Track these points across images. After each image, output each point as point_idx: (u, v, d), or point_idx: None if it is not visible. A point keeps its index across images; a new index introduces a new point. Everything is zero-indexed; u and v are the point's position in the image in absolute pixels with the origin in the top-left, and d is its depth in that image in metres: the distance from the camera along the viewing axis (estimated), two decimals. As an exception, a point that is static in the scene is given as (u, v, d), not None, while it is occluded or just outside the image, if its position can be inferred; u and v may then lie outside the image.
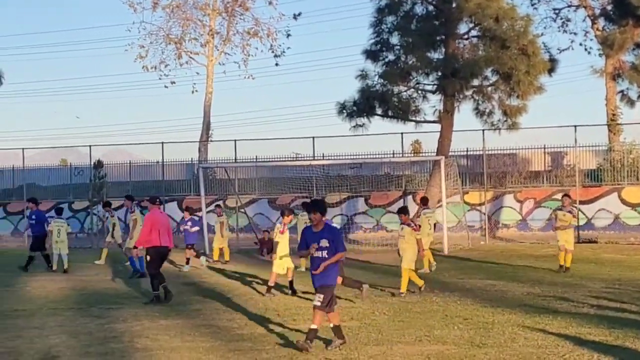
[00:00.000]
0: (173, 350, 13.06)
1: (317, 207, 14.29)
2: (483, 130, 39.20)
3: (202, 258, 28.84)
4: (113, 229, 29.42)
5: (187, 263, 27.89)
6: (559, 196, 36.77)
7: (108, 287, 22.97)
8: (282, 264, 19.02)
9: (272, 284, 19.04)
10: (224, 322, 16.05)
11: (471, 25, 36.02)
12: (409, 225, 19.12)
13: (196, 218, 31.37)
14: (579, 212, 36.92)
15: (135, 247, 21.84)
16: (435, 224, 29.69)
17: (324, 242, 12.44)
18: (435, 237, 32.49)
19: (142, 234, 19.92)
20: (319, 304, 12.78)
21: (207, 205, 37.15)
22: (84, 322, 16.15)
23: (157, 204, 21.14)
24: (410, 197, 41.61)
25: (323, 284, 13.15)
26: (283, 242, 22.07)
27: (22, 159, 47.87)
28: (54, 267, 27.49)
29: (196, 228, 29.13)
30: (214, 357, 12.53)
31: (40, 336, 14.54)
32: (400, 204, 40.61)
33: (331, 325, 12.57)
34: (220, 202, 37.68)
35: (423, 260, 24.98)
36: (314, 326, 12.31)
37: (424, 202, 28.22)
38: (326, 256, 13.11)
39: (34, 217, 27.21)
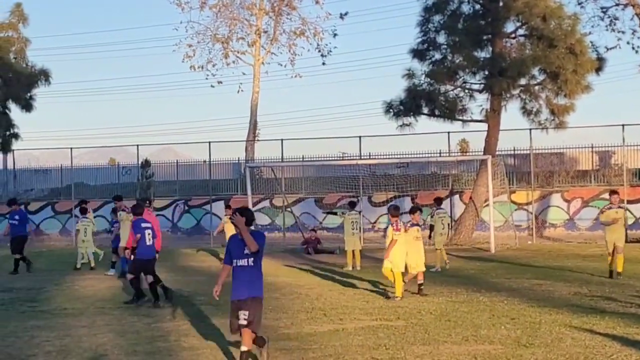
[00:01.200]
0: (219, 349, 13.07)
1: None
2: (530, 129, 38.56)
3: None
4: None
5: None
6: (606, 195, 35.40)
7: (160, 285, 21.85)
8: (400, 263, 18.11)
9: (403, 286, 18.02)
10: (270, 321, 15.80)
11: (518, 24, 35.66)
12: (406, 228, 18.92)
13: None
14: (627, 212, 36.64)
15: (126, 248, 21.42)
16: (448, 224, 30.45)
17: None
18: (483, 236, 35.52)
19: (131, 236, 20.09)
20: (244, 322, 11.77)
21: (254, 204, 38.02)
22: (131, 321, 16.19)
23: (147, 207, 22.53)
24: (457, 196, 41.87)
25: (250, 295, 12.09)
26: (401, 240, 21.59)
27: (70, 159, 48.04)
28: (78, 266, 27.62)
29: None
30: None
31: (88, 335, 14.64)
32: (446, 204, 39.36)
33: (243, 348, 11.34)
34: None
35: (436, 258, 25.17)
36: (244, 348, 11.25)
37: (438, 202, 28.30)
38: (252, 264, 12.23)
39: (16, 217, 26.51)
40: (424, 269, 21.35)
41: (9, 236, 27.52)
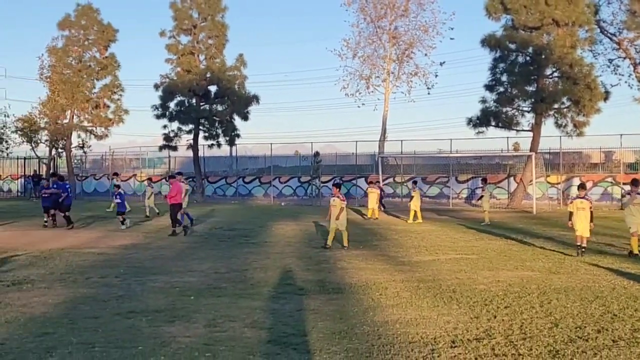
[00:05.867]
0: (360, 269, 14.74)
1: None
2: (560, 136, 42.63)
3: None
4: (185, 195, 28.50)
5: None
6: (609, 179, 42.70)
7: (321, 229, 25.14)
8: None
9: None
10: (392, 252, 18.07)
11: (554, 69, 40.34)
12: (338, 197, 19.49)
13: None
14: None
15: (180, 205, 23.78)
16: (490, 193, 32.75)
17: None
18: (528, 204, 39.16)
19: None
20: None
21: (383, 180, 43.22)
22: (306, 250, 18.59)
23: (175, 178, 24.88)
24: (512, 179, 45.64)
25: None
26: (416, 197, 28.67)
27: (270, 150, 53.09)
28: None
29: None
30: (385, 275, 14.00)
31: (279, 258, 16.99)
32: (505, 183, 45.56)
33: None
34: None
35: (485, 217, 28.41)
36: None
37: (484, 181, 31.72)
38: None
39: (55, 185, 26.84)
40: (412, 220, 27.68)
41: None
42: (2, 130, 54.28)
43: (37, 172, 54.87)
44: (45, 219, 26.80)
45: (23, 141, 54.04)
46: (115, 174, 41.57)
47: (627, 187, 20.01)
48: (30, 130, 52.69)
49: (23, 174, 57.51)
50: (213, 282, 13.17)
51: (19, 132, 53.35)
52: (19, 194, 58.41)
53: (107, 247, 19.17)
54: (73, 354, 7.89)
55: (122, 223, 25.75)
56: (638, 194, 17.34)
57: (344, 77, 64.56)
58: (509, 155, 46.90)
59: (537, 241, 20.89)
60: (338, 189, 19.79)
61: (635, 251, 16.85)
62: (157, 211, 32.29)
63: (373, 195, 32.03)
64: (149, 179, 36.11)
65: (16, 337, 8.68)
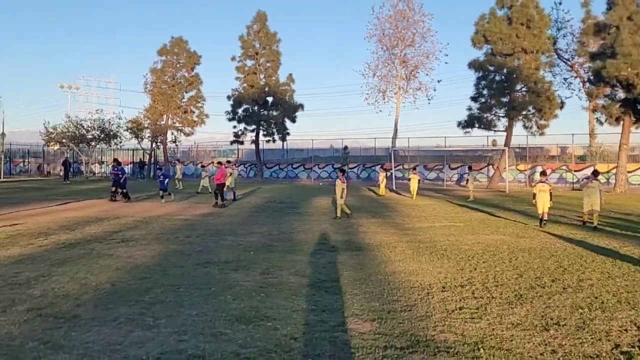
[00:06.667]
0: (376, 233, 14.67)
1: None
2: (527, 135, 42.10)
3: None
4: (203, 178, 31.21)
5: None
6: (564, 167, 42.26)
7: (355, 205, 25.48)
8: None
9: None
10: (399, 221, 17.77)
11: (522, 85, 39.85)
12: (342, 181, 18.80)
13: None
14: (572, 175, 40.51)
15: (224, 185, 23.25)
16: (474, 177, 31.35)
17: None
18: (502, 186, 38.59)
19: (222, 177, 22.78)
20: None
21: (395, 167, 42.24)
22: (339, 221, 18.05)
23: (222, 164, 24.29)
24: (490, 167, 45.26)
25: None
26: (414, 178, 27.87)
27: (312, 144, 55.63)
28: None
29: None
30: (394, 237, 13.62)
31: (317, 224, 17.40)
32: (485, 170, 45.00)
33: None
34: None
35: (470, 194, 28.07)
36: None
37: (470, 168, 31.94)
38: None
39: (117, 169, 25.28)
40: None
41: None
42: (117, 129, 55.18)
43: (142, 160, 55.85)
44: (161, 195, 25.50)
45: (132, 137, 54.63)
46: (178, 161, 42.62)
47: (585, 175, 19.35)
48: (137, 129, 53.33)
49: (132, 161, 58.24)
50: (267, 241, 13.06)
51: (129, 130, 53.93)
52: (129, 175, 58.68)
53: (191, 215, 19.17)
54: (164, 293, 8.00)
55: (162, 198, 24.78)
56: (593, 180, 16.94)
57: (366, 90, 68.55)
58: (489, 149, 45.81)
59: (508, 213, 20.57)
60: (342, 174, 19.08)
61: (595, 224, 16.25)
62: (210, 190, 30.72)
63: (415, 180, 29.35)
64: (202, 165, 36.52)
65: (123, 280, 8.81)
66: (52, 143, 56.31)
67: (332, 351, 5.58)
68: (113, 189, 24.87)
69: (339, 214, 18.47)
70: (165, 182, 25.04)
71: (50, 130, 54.83)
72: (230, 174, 25.61)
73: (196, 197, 27.27)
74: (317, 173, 52.61)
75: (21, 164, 61.83)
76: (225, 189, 23.48)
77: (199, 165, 42.88)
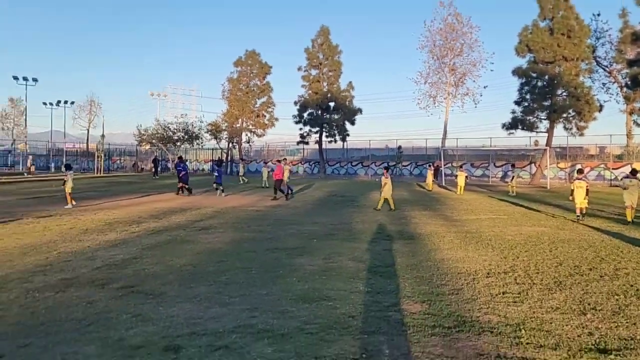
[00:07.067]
0: (426, 224, 14.44)
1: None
2: (567, 136, 41.39)
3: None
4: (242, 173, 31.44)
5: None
6: (602, 166, 40.52)
7: (399, 197, 25.45)
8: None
9: None
10: (448, 213, 17.51)
11: (563, 90, 38.77)
12: (386, 177, 18.24)
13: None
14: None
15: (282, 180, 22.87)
16: (517, 175, 30.64)
17: None
18: (544, 182, 37.92)
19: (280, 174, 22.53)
20: None
21: (445, 165, 41.95)
22: (388, 214, 17.99)
23: (280, 162, 24.35)
24: (533, 165, 43.96)
25: None
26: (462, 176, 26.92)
27: (369, 144, 55.90)
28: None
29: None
30: (443, 227, 13.52)
31: (373, 215, 17.60)
32: (528, 168, 43.62)
33: None
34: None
35: (511, 189, 27.59)
36: None
37: (513, 166, 32.02)
38: None
39: (180, 165, 24.40)
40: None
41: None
42: (199, 131, 56.05)
43: (220, 158, 56.51)
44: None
45: (211, 138, 55.49)
46: (242, 160, 43.86)
47: (623, 173, 18.53)
48: (216, 131, 54.17)
49: (211, 159, 59.08)
50: (329, 230, 12.94)
51: (209, 132, 54.88)
52: (209, 171, 59.46)
53: (262, 206, 19.15)
54: (238, 274, 8.05)
55: (223, 192, 23.80)
56: (633, 179, 15.93)
57: (418, 96, 65.45)
58: (531, 148, 44.82)
59: (549, 207, 20.01)
60: (387, 171, 18.48)
61: (629, 219, 15.29)
62: (267, 185, 30.78)
63: (462, 176, 27.99)
64: (264, 162, 36.69)
65: (203, 263, 8.88)
66: (143, 143, 58.25)
67: (386, 329, 5.56)
68: (179, 184, 23.94)
69: (379, 207, 18.10)
70: (221, 177, 24.18)
71: (142, 132, 56.62)
72: (289, 171, 25.38)
73: (264, 191, 27.25)
74: (374, 170, 52.18)
75: (118, 162, 64.57)
76: (282, 184, 23.16)
77: (261, 162, 43.40)
